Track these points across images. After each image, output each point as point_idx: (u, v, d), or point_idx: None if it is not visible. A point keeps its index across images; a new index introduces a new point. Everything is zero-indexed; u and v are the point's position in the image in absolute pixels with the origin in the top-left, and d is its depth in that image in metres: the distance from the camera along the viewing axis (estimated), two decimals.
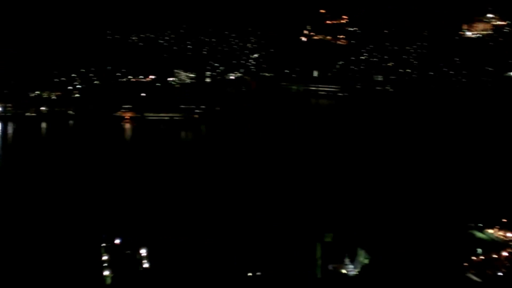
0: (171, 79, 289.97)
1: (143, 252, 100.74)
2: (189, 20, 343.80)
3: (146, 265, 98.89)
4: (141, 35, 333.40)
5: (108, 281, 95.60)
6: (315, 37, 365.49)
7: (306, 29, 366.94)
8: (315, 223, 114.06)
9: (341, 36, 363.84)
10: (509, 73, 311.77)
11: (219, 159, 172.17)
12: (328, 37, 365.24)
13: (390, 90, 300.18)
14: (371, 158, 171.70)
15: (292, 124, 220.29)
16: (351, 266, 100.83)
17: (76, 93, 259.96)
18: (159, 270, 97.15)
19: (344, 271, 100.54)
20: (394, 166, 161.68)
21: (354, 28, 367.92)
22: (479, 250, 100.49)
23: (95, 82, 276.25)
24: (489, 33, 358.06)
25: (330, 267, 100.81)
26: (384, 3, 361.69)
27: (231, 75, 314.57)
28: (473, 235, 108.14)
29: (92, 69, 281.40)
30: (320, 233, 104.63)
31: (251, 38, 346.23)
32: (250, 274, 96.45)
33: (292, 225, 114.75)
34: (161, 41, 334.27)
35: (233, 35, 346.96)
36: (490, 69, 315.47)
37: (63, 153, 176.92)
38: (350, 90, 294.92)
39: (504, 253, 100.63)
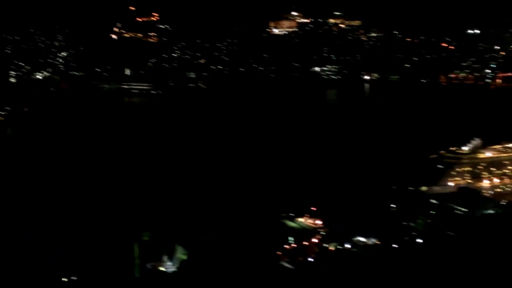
0: None
1: None
2: None
3: None
4: None
5: None
6: (126, 35, 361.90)
7: (116, 27, 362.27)
8: (131, 223, 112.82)
9: (152, 34, 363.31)
10: (314, 68, 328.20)
11: (28, 162, 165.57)
12: (139, 35, 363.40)
13: (203, 86, 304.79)
14: (184, 155, 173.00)
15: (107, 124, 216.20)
16: (169, 263, 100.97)
17: None
18: None
19: (162, 268, 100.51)
20: (208, 162, 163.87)
21: (165, 26, 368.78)
22: (291, 239, 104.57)
23: None
24: (294, 30, 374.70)
25: (149, 265, 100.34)
26: (195, 1, 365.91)
27: (38, 75, 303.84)
28: (285, 225, 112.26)
29: None
30: (137, 232, 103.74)
31: (58, 36, 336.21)
32: (65, 279, 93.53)
33: (108, 225, 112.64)
34: None
35: (39, 32, 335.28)
36: (296, 64, 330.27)
37: None
38: (163, 87, 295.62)
39: (314, 240, 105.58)
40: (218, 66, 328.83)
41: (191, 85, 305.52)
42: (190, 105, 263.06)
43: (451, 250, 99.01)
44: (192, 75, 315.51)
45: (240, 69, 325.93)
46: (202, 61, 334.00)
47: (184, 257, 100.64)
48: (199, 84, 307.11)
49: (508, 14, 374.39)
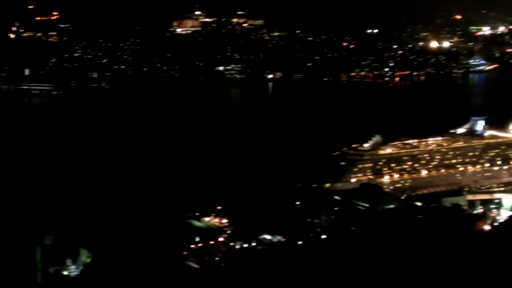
0: None
1: None
2: None
3: None
4: None
5: None
6: (25, 34, 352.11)
7: (15, 26, 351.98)
8: (33, 225, 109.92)
9: (52, 33, 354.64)
10: (218, 67, 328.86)
11: None
12: (39, 34, 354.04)
13: (106, 86, 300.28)
14: (86, 156, 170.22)
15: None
16: (73, 267, 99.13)
17: None
18: None
19: (66, 272, 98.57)
20: (110, 163, 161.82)
21: (66, 25, 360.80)
22: (197, 238, 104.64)
23: None
24: (198, 29, 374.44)
25: (51, 270, 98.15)
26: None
27: None
28: (191, 224, 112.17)
29: None
30: (40, 235, 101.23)
31: None
32: None
33: (8, 228, 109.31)
34: None
35: None
36: (200, 64, 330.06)
37: None
38: (65, 88, 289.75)
39: (220, 239, 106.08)
40: (122, 66, 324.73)
41: (93, 85, 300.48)
42: (93, 105, 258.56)
43: (354, 245, 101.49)
44: (95, 75, 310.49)
45: (144, 68, 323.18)
46: (104, 60, 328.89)
47: (88, 260, 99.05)
48: (102, 84, 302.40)
49: (405, 14, 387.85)
